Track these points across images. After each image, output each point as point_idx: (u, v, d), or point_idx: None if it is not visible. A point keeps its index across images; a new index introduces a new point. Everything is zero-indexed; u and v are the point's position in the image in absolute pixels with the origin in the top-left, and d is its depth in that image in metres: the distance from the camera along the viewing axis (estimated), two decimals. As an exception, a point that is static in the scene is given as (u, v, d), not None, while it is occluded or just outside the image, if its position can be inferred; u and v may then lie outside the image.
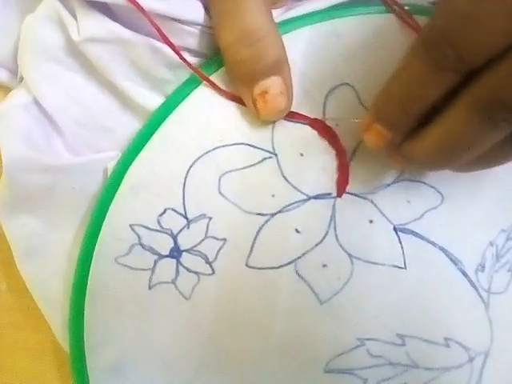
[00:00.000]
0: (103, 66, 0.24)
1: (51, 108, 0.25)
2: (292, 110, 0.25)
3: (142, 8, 0.23)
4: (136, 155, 0.25)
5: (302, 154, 0.25)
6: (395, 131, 0.21)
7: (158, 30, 0.23)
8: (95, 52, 0.24)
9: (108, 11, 0.24)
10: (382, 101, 0.22)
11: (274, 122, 0.25)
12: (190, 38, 0.25)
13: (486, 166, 0.22)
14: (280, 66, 0.23)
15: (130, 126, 0.26)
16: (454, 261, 0.26)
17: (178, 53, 0.24)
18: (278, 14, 0.25)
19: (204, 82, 0.25)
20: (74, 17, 0.24)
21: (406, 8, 0.25)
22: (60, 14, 0.24)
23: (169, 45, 0.24)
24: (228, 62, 0.24)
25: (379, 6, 0.25)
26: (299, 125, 0.25)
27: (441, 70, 0.18)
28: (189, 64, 0.24)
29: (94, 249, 0.25)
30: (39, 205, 0.25)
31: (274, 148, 0.25)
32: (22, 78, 0.26)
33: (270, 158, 0.25)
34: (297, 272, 0.25)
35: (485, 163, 0.22)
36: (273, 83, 0.23)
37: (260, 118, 0.24)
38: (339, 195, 0.25)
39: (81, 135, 0.26)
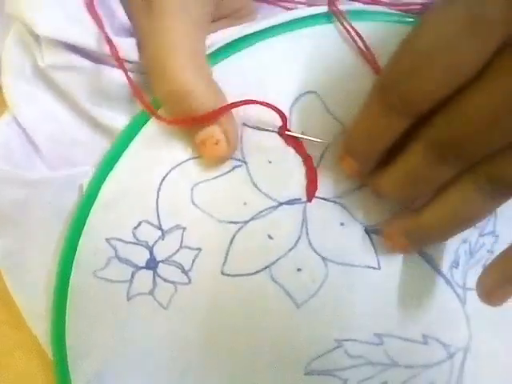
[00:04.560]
0: (67, 90, 0.25)
1: (27, 124, 0.26)
2: (257, 119, 0.25)
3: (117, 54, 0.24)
4: (109, 171, 0.25)
5: (270, 162, 0.25)
6: (361, 164, 0.24)
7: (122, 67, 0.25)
8: (59, 77, 0.25)
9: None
10: (350, 137, 0.24)
11: (241, 132, 0.25)
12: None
13: (462, 224, 0.24)
14: (215, 115, 0.23)
15: (103, 139, 0.26)
16: (427, 259, 0.27)
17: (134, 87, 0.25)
18: (238, 30, 0.25)
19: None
20: (39, 43, 0.25)
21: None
22: (25, 39, 0.25)
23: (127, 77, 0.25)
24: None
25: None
26: (267, 133, 0.25)
27: (392, 114, 0.21)
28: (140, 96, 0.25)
29: (72, 264, 0.25)
30: (14, 222, 0.26)
31: (243, 156, 0.25)
32: None
33: (240, 166, 0.25)
34: (272, 277, 0.26)
35: (464, 222, 0.23)
36: (209, 134, 0.24)
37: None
38: (309, 200, 0.26)
39: (56, 150, 0.26)
